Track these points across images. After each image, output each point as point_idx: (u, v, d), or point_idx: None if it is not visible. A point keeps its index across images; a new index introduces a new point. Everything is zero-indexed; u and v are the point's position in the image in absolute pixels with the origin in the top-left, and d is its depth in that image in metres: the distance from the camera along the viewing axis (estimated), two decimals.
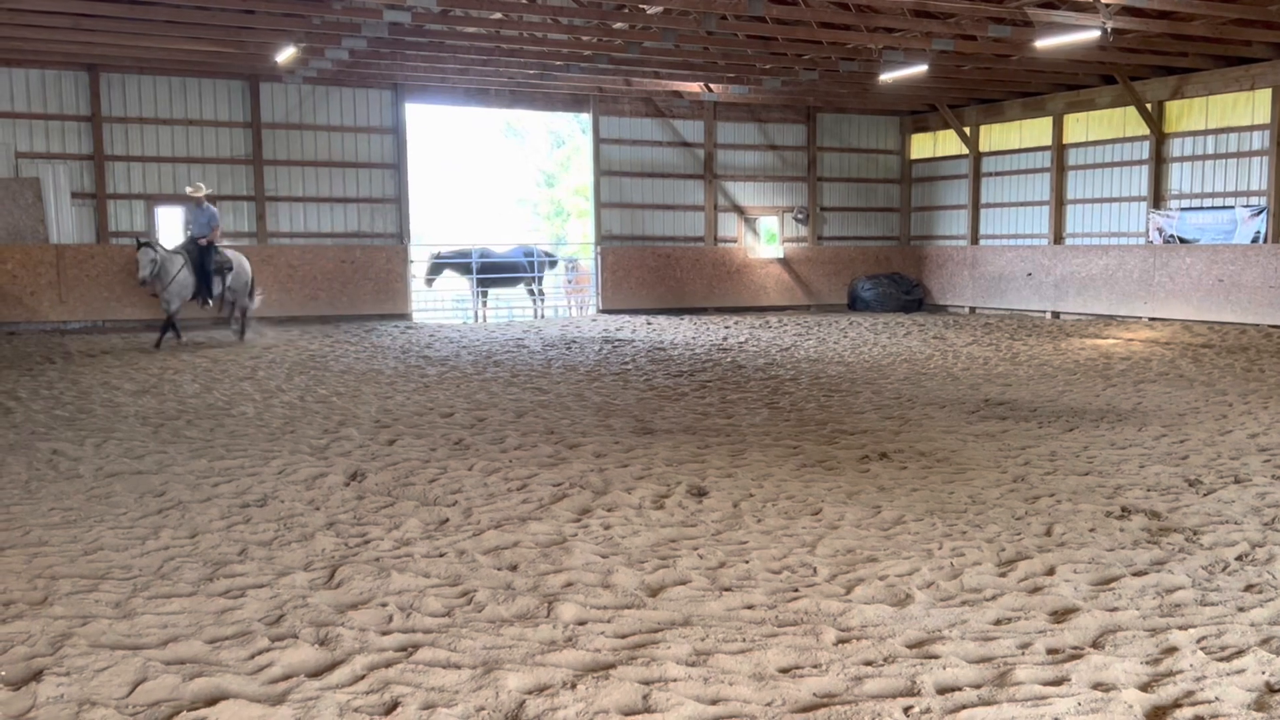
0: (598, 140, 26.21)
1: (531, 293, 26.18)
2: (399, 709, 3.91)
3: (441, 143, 46.01)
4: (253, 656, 4.43)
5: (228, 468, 8.30)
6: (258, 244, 23.08)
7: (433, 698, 4.02)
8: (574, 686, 4.10)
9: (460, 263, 25.35)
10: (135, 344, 18.33)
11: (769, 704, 4.00)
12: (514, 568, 5.72)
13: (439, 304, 27.57)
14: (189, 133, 22.64)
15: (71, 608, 5.01)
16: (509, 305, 27.72)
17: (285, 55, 19.39)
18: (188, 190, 18.51)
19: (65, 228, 21.70)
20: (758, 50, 20.53)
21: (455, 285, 26.63)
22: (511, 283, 26.14)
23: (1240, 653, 4.43)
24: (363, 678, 4.22)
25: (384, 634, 4.70)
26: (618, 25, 18.89)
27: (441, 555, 5.95)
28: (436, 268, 25.17)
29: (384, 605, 5.07)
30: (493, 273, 25.45)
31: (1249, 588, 5.34)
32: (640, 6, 18.15)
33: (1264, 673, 4.23)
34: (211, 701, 3.97)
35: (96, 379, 13.70)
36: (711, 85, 24.73)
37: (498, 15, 18.04)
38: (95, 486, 7.65)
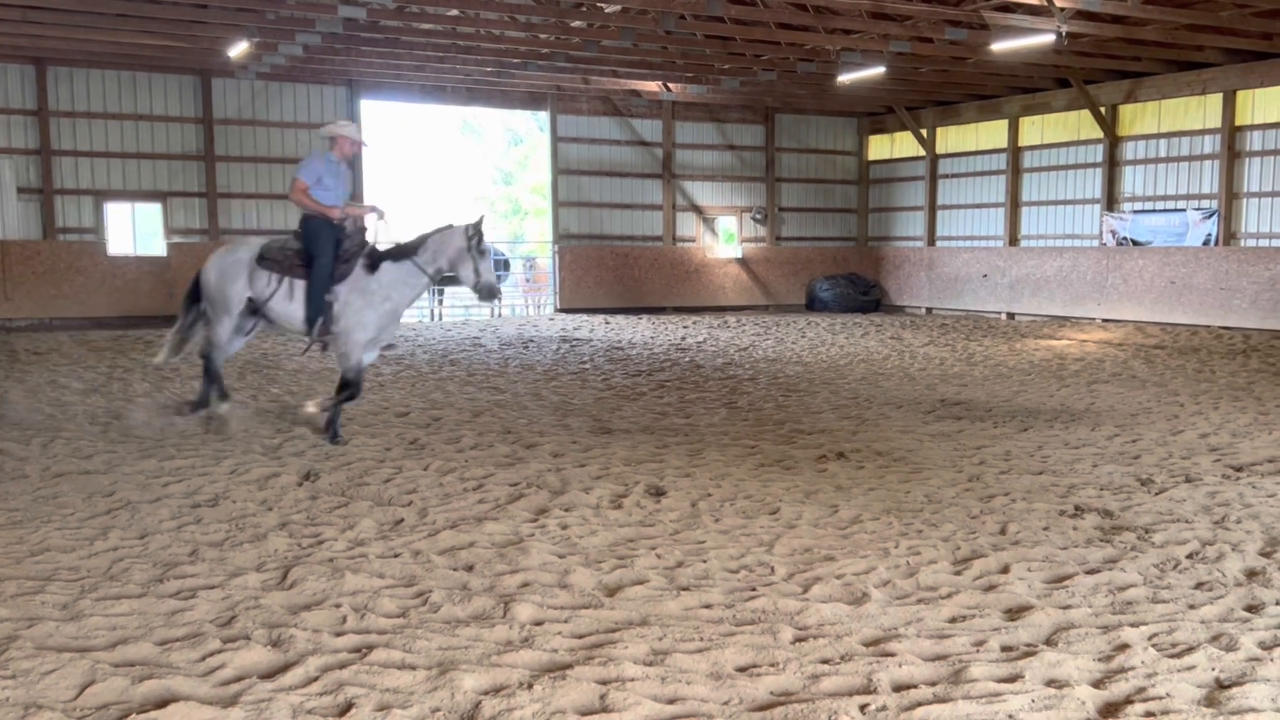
0: (556, 139, 26.15)
1: None
2: (353, 710, 3.86)
3: (398, 140, 45.67)
4: (204, 658, 4.36)
5: (178, 467, 8.17)
6: (209, 241, 22.79)
7: (387, 699, 3.98)
8: (530, 687, 4.07)
9: None
10: (84, 341, 18.04)
11: (726, 703, 4.00)
12: (470, 568, 5.68)
13: None
14: (139, 128, 22.31)
15: (17, 610, 4.91)
16: (465, 304, 27.57)
17: (238, 50, 19.17)
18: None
19: (10, 223, 21.30)
20: (716, 50, 20.56)
21: None
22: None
23: (1191, 649, 4.48)
24: (316, 679, 4.16)
25: (338, 635, 4.65)
26: (576, 23, 18.85)
27: (396, 556, 5.89)
28: None
29: (338, 606, 5.01)
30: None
31: (1199, 585, 5.41)
32: (598, 5, 18.12)
33: (1214, 669, 4.28)
34: (161, 704, 3.90)
35: (43, 377, 13.46)
36: (670, 85, 24.75)
37: (454, 12, 17.93)
38: (42, 487, 7.51)
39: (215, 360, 9.63)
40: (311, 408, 9.65)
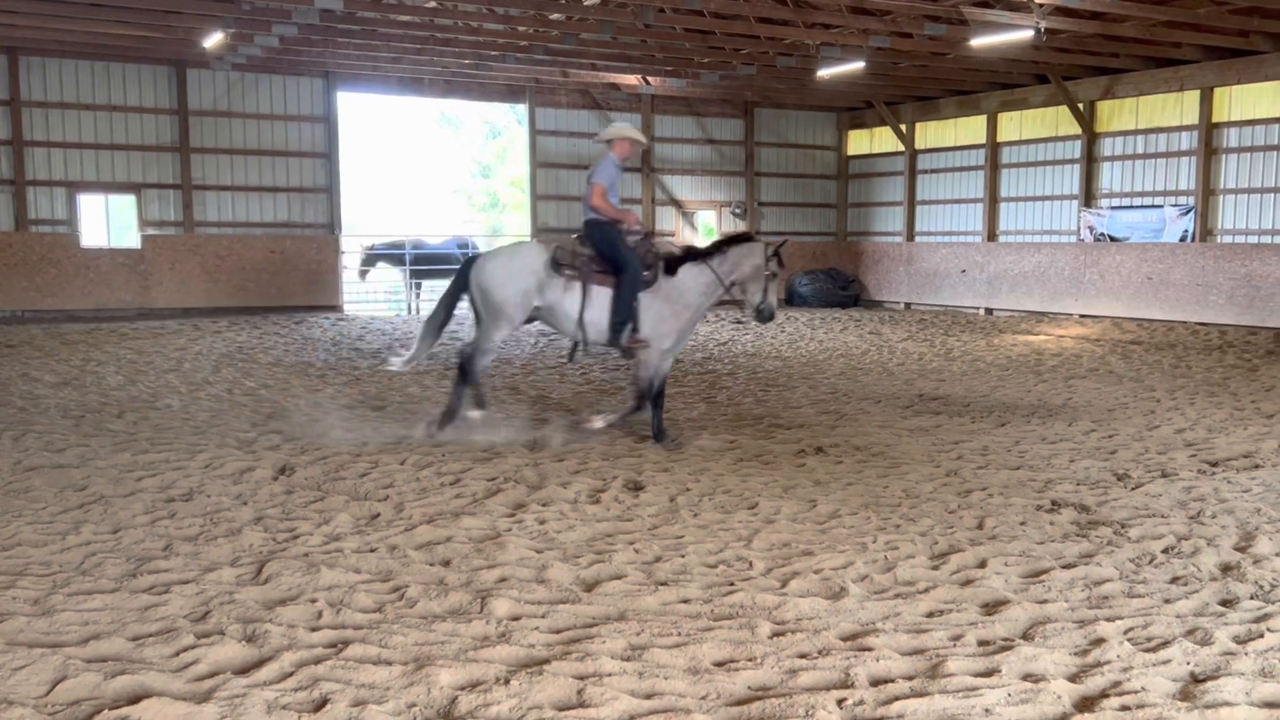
0: (534, 132, 26.08)
1: None
2: (328, 706, 3.83)
3: (374, 132, 45.49)
4: (177, 654, 4.32)
5: (152, 461, 8.10)
6: (184, 233, 22.63)
7: (363, 694, 3.95)
8: (507, 682, 4.05)
9: (394, 254, 25.08)
10: (57, 334, 17.88)
11: (704, 698, 3.99)
12: (447, 563, 5.65)
13: (371, 296, 27.25)
14: (113, 119, 22.11)
15: None
16: None
17: (213, 41, 19.01)
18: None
19: None
20: (695, 44, 20.53)
21: (388, 277, 26.32)
22: (446, 274, 25.89)
23: (1166, 643, 4.50)
24: (291, 675, 4.13)
25: (313, 630, 4.61)
26: (554, 16, 18.77)
27: (373, 550, 5.85)
28: (370, 259, 24.87)
29: (313, 601, 4.97)
30: (427, 264, 25.20)
31: (1175, 580, 5.43)
32: None
33: (1189, 663, 4.29)
34: (134, 700, 3.86)
35: (15, 370, 13.33)
36: (649, 78, 24.70)
37: (432, 3, 17.85)
38: (13, 481, 7.42)
39: (477, 367, 9.04)
40: (599, 423, 9.19)
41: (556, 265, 8.73)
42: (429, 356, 9.09)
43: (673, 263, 8.97)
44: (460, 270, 9.01)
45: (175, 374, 13.25)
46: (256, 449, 8.64)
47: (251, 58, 21.25)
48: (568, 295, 8.75)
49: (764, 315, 9.12)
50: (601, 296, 8.75)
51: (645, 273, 8.84)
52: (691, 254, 9.08)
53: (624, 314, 8.72)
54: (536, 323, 9.34)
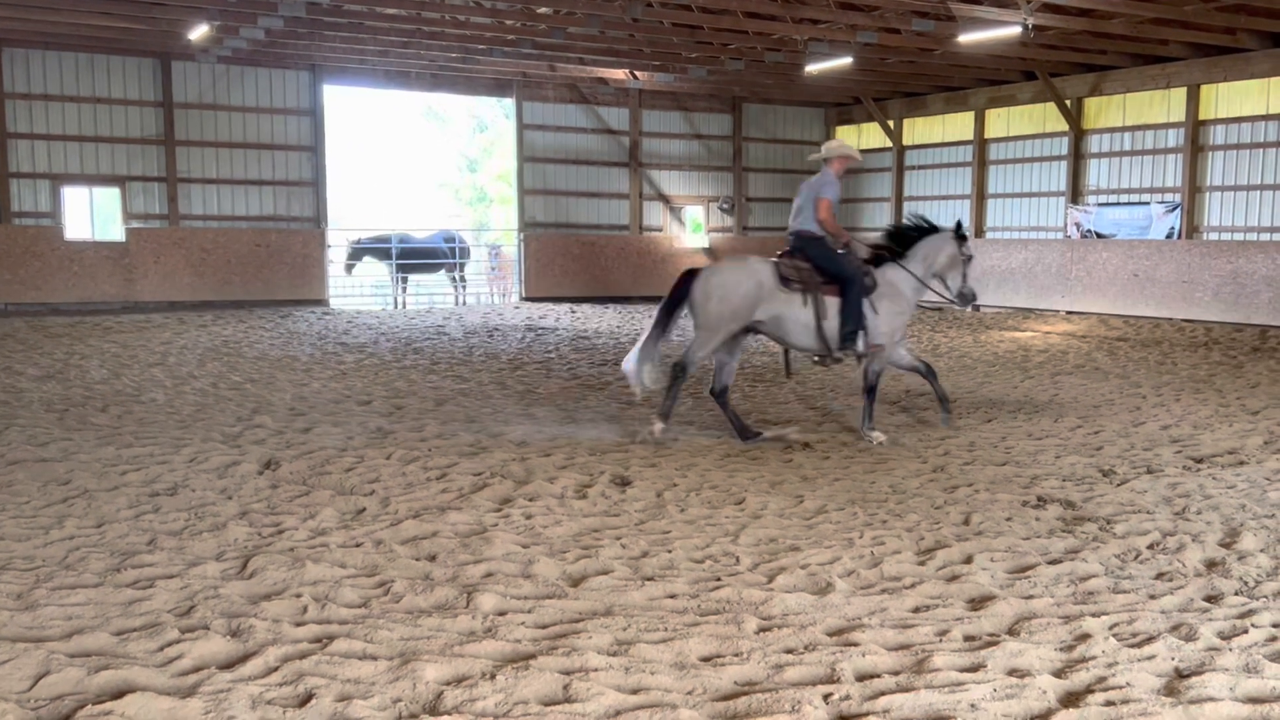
0: (521, 126, 26.01)
1: (453, 279, 25.92)
2: (313, 701, 3.82)
3: (361, 126, 45.35)
4: (162, 648, 4.30)
5: (136, 456, 8.06)
6: (169, 226, 22.52)
7: (348, 689, 3.93)
8: (493, 677, 4.04)
9: (380, 248, 25.00)
10: (40, 327, 17.77)
11: (690, 693, 3.98)
12: (433, 558, 5.64)
13: (357, 290, 27.16)
14: (97, 111, 21.96)
15: None
16: (429, 292, 27.41)
17: (198, 33, 18.90)
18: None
19: None
20: (683, 38, 20.50)
21: (374, 271, 26.24)
22: (432, 269, 25.85)
23: (1151, 639, 4.51)
24: (276, 669, 4.12)
25: (298, 625, 4.60)
26: (542, 10, 18.70)
27: (358, 545, 5.83)
28: (356, 253, 24.78)
29: (298, 596, 4.95)
30: (413, 259, 25.14)
31: (1160, 576, 5.45)
32: None
33: (1174, 659, 4.31)
34: (118, 695, 3.84)
35: None
36: (637, 73, 24.66)
37: None
38: None
39: (686, 377, 9.14)
40: (879, 437, 9.14)
41: (784, 280, 8.95)
42: (655, 374, 9.11)
43: (876, 265, 9.37)
44: (680, 285, 9.07)
45: (160, 368, 13.19)
46: (242, 443, 8.60)
47: (237, 50, 21.14)
48: (797, 307, 8.96)
49: (966, 299, 9.64)
50: (833, 306, 9.04)
51: (865, 279, 9.19)
52: (884, 258, 9.42)
53: (854, 322, 9.02)
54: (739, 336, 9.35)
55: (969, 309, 9.90)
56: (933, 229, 9.58)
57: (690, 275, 9.05)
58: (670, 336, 9.27)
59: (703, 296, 8.90)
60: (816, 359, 9.36)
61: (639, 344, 9.02)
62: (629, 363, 9.01)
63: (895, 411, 10.63)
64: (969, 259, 9.54)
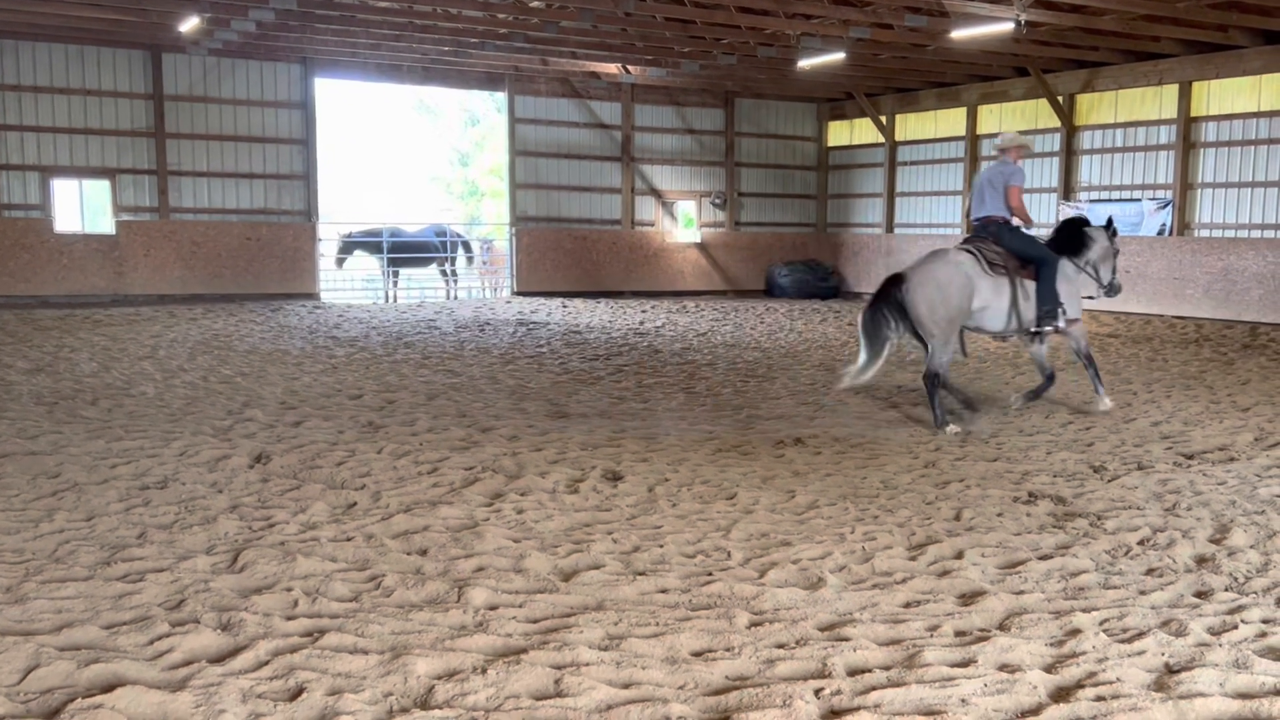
0: (513, 120, 25.96)
1: (444, 273, 25.88)
2: (304, 695, 3.81)
3: (352, 119, 45.23)
4: (152, 642, 4.28)
5: (126, 449, 8.04)
6: (159, 219, 22.44)
7: (339, 683, 3.93)
8: (484, 671, 4.04)
9: (371, 242, 24.95)
10: (29, 320, 17.70)
11: (682, 687, 3.98)
12: (424, 552, 5.63)
13: (348, 283, 27.11)
14: (87, 103, 21.87)
15: None
16: (421, 286, 27.36)
17: (189, 25, 18.83)
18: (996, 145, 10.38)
19: None
20: (676, 33, 20.48)
21: (365, 265, 26.18)
22: (423, 263, 25.81)
23: (1141, 635, 4.52)
24: (267, 663, 4.11)
25: (289, 619, 4.59)
26: (534, 3, 18.68)
27: (349, 539, 5.82)
28: (347, 247, 24.73)
29: (289, 590, 4.94)
30: (404, 252, 25.09)
31: (1150, 571, 5.47)
32: None
33: (1164, 654, 4.32)
34: (108, 688, 3.83)
35: None
36: (629, 67, 24.63)
37: None
38: None
39: (940, 383, 9.42)
40: (1109, 404, 10.15)
41: (991, 265, 9.38)
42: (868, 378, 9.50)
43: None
44: (885, 290, 9.23)
45: (150, 361, 13.15)
46: (232, 437, 8.58)
47: (228, 43, 21.06)
48: (1001, 294, 9.44)
49: (1114, 290, 10.30)
50: (1031, 289, 9.57)
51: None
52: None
53: (1053, 301, 9.60)
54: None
55: (1114, 298, 10.51)
56: (1087, 224, 10.27)
57: (896, 282, 9.19)
58: (887, 351, 9.40)
59: (928, 309, 9.13)
60: (1001, 336, 10.06)
61: (861, 365, 9.25)
62: (847, 379, 9.45)
63: (886, 408, 10.64)
64: (1117, 253, 10.22)
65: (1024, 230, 9.80)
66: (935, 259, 9.40)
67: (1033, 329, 9.66)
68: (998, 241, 9.54)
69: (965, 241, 9.58)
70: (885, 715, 3.75)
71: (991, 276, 9.34)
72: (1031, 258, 9.58)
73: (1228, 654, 4.30)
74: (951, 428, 9.13)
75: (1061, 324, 9.65)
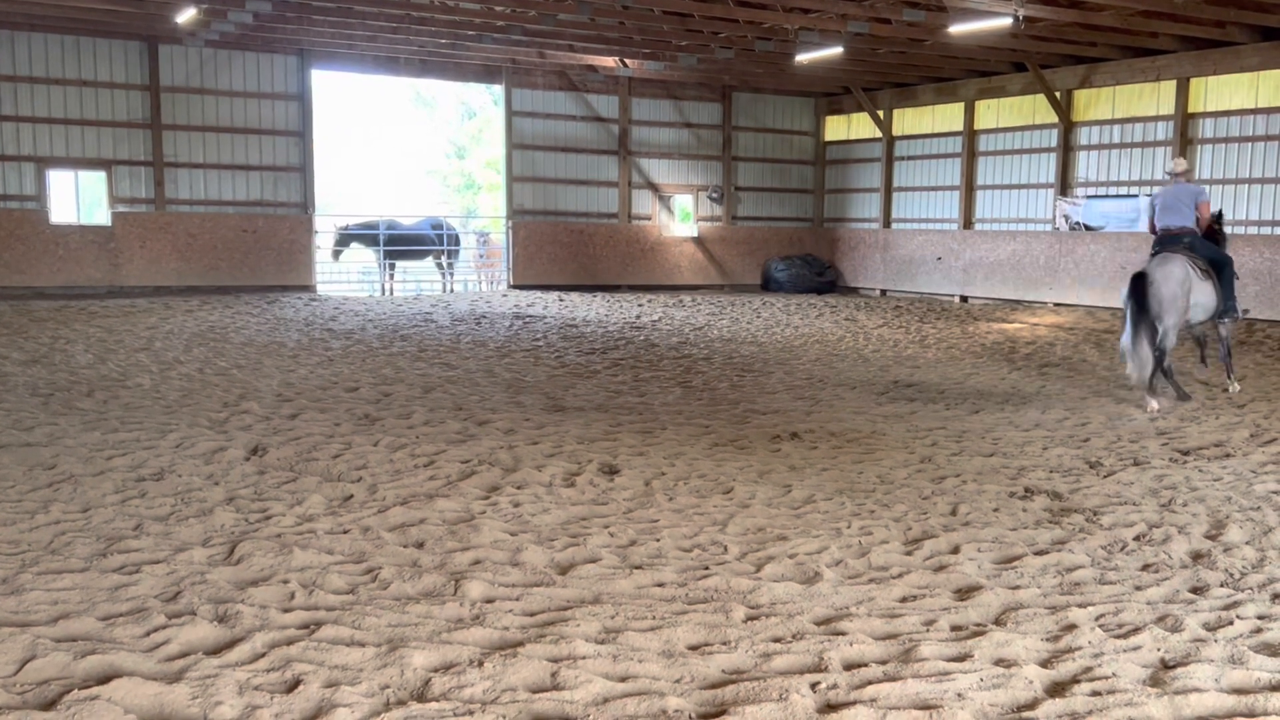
0: (510, 113, 25.91)
1: (440, 266, 25.86)
2: (301, 687, 3.81)
3: (349, 111, 45.12)
4: (148, 634, 4.29)
5: (122, 441, 8.03)
6: (155, 211, 22.40)
7: (336, 676, 3.93)
8: (481, 664, 4.04)
9: (367, 235, 24.91)
10: (25, 311, 17.67)
11: (678, 681, 3.98)
12: (420, 545, 5.63)
13: (344, 276, 27.07)
14: (83, 94, 21.79)
15: None
16: (417, 279, 27.32)
17: (186, 16, 18.76)
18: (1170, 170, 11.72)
19: None
20: (674, 26, 20.43)
21: (361, 257, 26.14)
22: (420, 255, 25.77)
23: (1137, 630, 4.53)
24: (263, 655, 4.11)
25: (285, 611, 4.58)
26: None
27: (345, 532, 5.82)
28: (344, 240, 24.69)
29: (285, 582, 4.94)
30: (400, 245, 25.07)
31: (1146, 567, 5.48)
32: None
33: (1159, 650, 4.33)
34: (104, 680, 3.83)
35: None
36: (627, 60, 24.58)
37: None
38: None
39: (1166, 360, 10.59)
40: (1238, 387, 11.53)
41: (1201, 270, 10.76)
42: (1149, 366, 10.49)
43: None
44: (1135, 290, 10.44)
45: (146, 353, 13.13)
46: (228, 429, 8.58)
47: (225, 34, 20.99)
48: (1207, 292, 10.79)
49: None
50: (1213, 285, 10.93)
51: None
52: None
53: (1233, 296, 11.12)
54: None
55: None
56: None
57: (1142, 279, 10.49)
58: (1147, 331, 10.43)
59: (1170, 298, 10.39)
60: (1196, 327, 11.23)
61: (1133, 345, 10.37)
62: (1131, 365, 10.46)
63: (884, 402, 10.65)
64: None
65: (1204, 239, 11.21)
66: (1171, 262, 10.65)
67: (1217, 320, 11.16)
68: (1191, 249, 10.86)
69: (1170, 250, 10.75)
70: (881, 709, 3.76)
71: (1202, 279, 10.77)
72: (1216, 261, 11.05)
73: (1223, 649, 4.32)
74: (1153, 404, 10.28)
75: (1239, 315, 11.29)
